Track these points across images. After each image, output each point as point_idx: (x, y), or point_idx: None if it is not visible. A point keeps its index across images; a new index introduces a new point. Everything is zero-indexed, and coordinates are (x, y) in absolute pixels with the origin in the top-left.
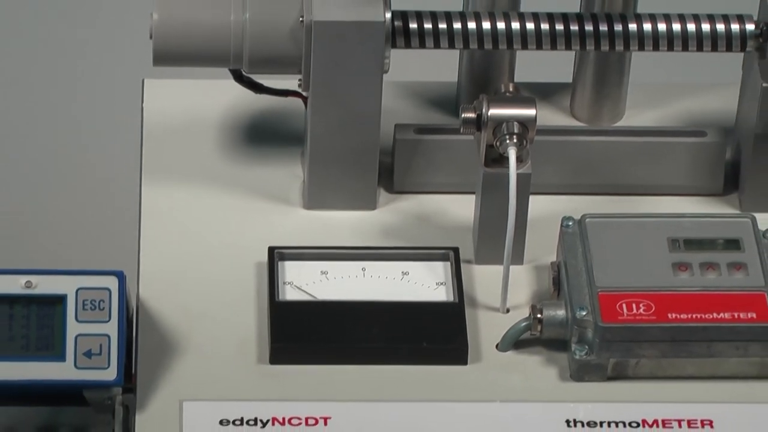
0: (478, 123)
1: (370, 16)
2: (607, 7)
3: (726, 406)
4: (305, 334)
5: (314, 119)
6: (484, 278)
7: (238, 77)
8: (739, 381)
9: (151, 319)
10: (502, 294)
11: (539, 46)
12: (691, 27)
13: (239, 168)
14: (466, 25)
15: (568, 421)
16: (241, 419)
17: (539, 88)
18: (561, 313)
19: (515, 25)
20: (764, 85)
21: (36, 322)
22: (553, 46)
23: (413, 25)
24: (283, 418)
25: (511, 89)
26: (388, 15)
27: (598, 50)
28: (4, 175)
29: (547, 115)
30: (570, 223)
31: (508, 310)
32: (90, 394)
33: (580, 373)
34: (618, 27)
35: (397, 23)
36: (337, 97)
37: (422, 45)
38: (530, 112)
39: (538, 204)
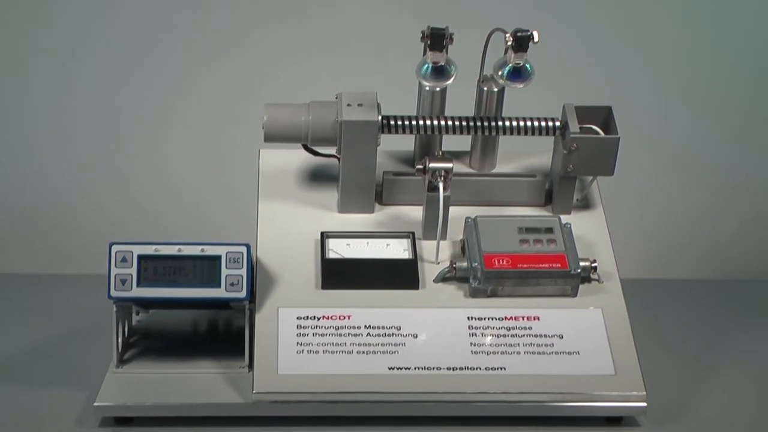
0: (424, 170)
1: (370, 117)
2: (487, 113)
3: (545, 310)
4: (339, 274)
5: (344, 169)
6: (427, 247)
7: (306, 148)
8: (551, 297)
9: (263, 267)
10: (436, 254)
11: (454, 132)
12: (529, 123)
13: (306, 192)
14: (419, 122)
15: (468, 317)
16: (307, 317)
17: (454, 153)
18: (465, 264)
19: (443, 122)
20: (564, 152)
21: (206, 268)
22: (461, 132)
23: (393, 122)
24: (328, 316)
25: (440, 153)
26: (379, 117)
27: (483, 134)
28: (193, 197)
29: (458, 167)
30: (470, 220)
31: (439, 263)
32: (233, 304)
33: (475, 294)
34: (492, 123)
35: (384, 121)
36: (354, 158)
37: (397, 132)
38: (450, 165)
39: (454, 210)
